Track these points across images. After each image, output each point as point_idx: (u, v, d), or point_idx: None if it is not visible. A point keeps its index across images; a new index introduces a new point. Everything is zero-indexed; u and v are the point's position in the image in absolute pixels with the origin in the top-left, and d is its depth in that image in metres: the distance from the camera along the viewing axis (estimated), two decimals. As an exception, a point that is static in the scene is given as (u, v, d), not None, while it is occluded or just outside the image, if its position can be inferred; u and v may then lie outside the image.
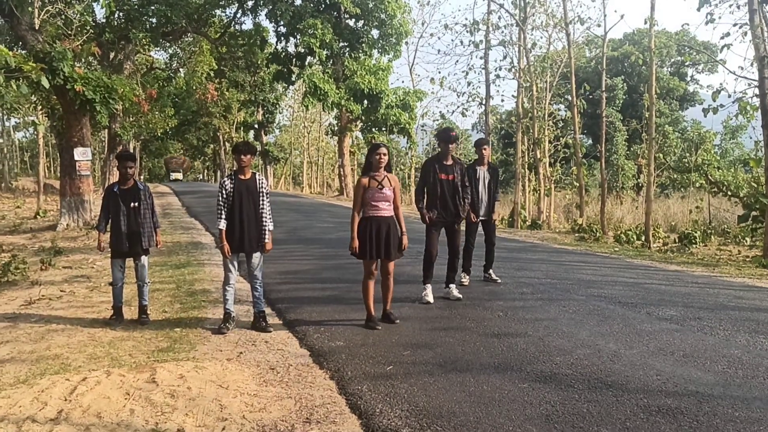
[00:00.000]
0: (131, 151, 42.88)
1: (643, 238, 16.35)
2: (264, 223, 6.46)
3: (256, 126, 54.26)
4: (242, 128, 56.34)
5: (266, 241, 6.48)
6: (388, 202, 6.46)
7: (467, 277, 8.76)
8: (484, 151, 8.79)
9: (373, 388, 4.61)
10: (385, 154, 6.43)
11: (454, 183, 7.59)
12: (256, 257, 6.50)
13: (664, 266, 11.27)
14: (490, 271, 9.07)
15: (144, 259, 6.95)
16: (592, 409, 4.14)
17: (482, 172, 8.70)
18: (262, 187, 6.48)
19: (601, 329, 6.28)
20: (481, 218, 8.67)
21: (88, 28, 24.03)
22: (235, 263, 6.51)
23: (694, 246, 15.36)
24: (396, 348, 5.67)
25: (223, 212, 6.37)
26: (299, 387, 4.72)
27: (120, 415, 4.13)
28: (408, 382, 4.72)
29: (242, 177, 6.41)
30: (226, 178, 6.45)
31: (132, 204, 6.77)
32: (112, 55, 24.55)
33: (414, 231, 7.02)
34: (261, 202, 6.44)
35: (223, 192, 6.36)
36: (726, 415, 4.04)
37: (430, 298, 7.48)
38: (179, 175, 75.93)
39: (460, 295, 7.72)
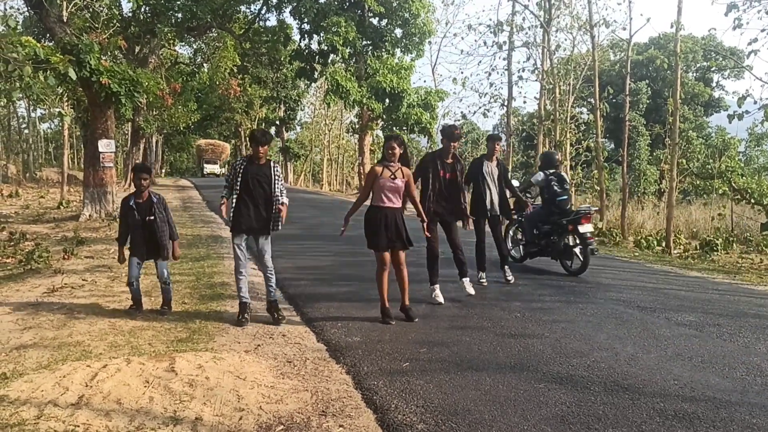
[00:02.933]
0: (154, 145, 43.30)
1: (663, 243, 16.21)
2: (274, 210, 6.43)
3: (277, 122, 54.50)
4: (264, 124, 56.62)
5: (281, 215, 6.48)
6: (398, 194, 6.50)
7: (484, 275, 8.71)
8: (496, 146, 8.75)
9: (389, 383, 4.64)
10: (394, 148, 6.44)
11: (453, 181, 7.57)
12: (266, 242, 6.52)
13: (684, 272, 11.18)
14: (506, 268, 8.97)
15: (163, 262, 6.97)
16: (607, 412, 4.14)
17: (490, 166, 8.64)
18: (276, 172, 6.48)
19: (618, 333, 6.26)
20: (491, 213, 8.61)
21: (115, 21, 24.34)
22: (244, 247, 6.48)
23: (715, 253, 15.19)
24: (412, 345, 5.70)
25: (226, 187, 6.47)
26: (316, 380, 4.76)
27: (139, 402, 4.20)
28: (424, 378, 4.74)
29: (257, 162, 6.43)
30: (239, 161, 6.50)
31: (147, 218, 6.81)
32: (137, 48, 24.84)
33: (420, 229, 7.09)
34: (273, 187, 6.42)
35: (234, 170, 6.42)
36: (743, 422, 4.02)
37: (441, 299, 7.42)
38: (216, 168, 56.60)
39: (473, 291, 7.69)
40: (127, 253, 6.92)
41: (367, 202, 6.75)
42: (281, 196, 6.51)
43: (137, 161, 31.41)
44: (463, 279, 7.78)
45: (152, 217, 6.82)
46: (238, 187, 6.36)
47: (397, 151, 6.48)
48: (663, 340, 6.03)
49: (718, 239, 15.84)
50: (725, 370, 5.09)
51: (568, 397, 4.39)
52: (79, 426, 3.81)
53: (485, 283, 8.61)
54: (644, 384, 4.70)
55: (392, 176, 6.44)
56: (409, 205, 7.04)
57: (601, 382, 4.71)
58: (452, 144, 7.57)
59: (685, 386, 4.67)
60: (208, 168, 55.95)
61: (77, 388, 4.38)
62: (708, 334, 6.33)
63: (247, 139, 6.37)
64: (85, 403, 4.15)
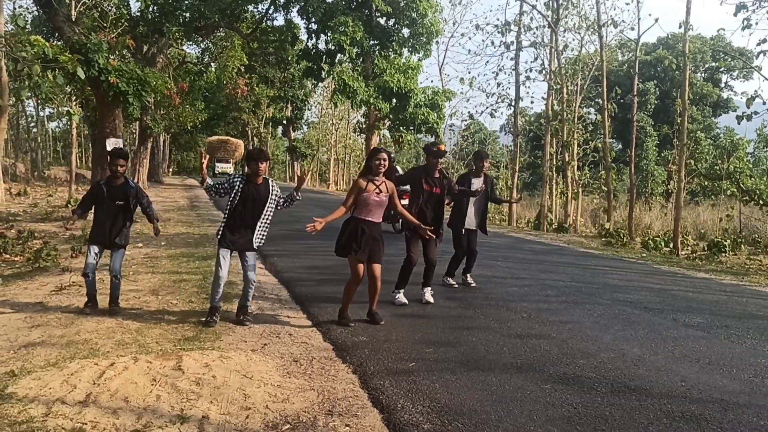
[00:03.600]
0: (161, 144, 43.43)
1: (671, 244, 16.17)
2: (263, 229, 6.44)
3: (284, 122, 54.63)
4: (271, 124, 56.74)
5: (259, 243, 6.48)
6: (381, 208, 6.37)
7: (451, 279, 8.67)
8: (484, 163, 8.69)
9: (395, 383, 4.64)
10: (384, 160, 6.27)
11: (438, 196, 7.54)
12: (251, 256, 6.50)
13: (691, 273, 11.14)
14: (468, 275, 8.83)
15: (120, 251, 6.94)
16: (614, 413, 4.13)
17: (478, 182, 8.58)
18: (273, 191, 6.44)
19: (625, 334, 6.24)
20: (467, 228, 8.58)
21: (123, 20, 24.45)
22: (227, 259, 6.43)
23: (723, 254, 15.14)
24: (419, 345, 5.70)
25: (218, 188, 6.45)
26: (322, 380, 4.76)
27: (147, 400, 4.21)
28: (430, 378, 4.74)
29: (255, 182, 6.38)
30: (238, 178, 6.41)
31: (117, 201, 6.79)
32: (145, 48, 24.92)
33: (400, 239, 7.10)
34: (266, 208, 6.41)
35: (231, 186, 6.36)
36: (751, 424, 4.00)
37: (404, 300, 7.36)
38: (228, 168, 51.75)
39: (432, 300, 7.57)
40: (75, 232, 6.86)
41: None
42: (295, 196, 6.58)
43: (145, 159, 31.51)
44: (425, 289, 7.64)
45: (122, 202, 6.79)
46: (231, 205, 6.35)
47: (386, 163, 6.32)
48: (670, 341, 6.01)
49: (726, 240, 15.79)
50: (733, 372, 5.07)
51: (574, 398, 4.38)
52: (86, 423, 3.83)
53: (455, 285, 8.57)
54: (651, 385, 4.69)
55: (377, 190, 6.28)
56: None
57: (608, 383, 4.70)
58: (436, 161, 7.52)
59: (693, 388, 4.66)
60: (220, 167, 50.98)
61: (85, 386, 4.40)
62: (716, 335, 6.31)
63: (245, 159, 6.30)
64: (93, 400, 4.17)
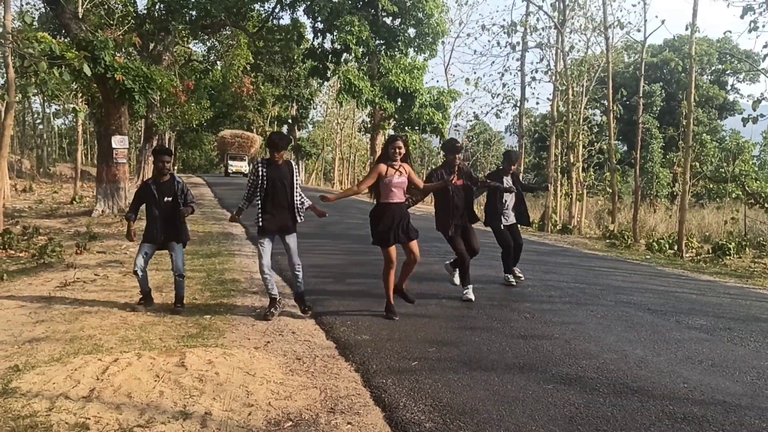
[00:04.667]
0: (166, 142, 43.48)
1: (675, 247, 16.13)
2: (298, 208, 6.54)
3: (289, 121, 54.60)
4: (276, 122, 56.75)
5: (302, 214, 6.62)
6: (402, 189, 6.61)
7: (511, 277, 8.87)
8: (512, 166, 8.95)
9: (398, 382, 4.64)
10: (400, 147, 6.54)
11: (464, 187, 7.68)
12: (292, 239, 6.59)
13: (696, 276, 11.12)
14: (515, 269, 9.07)
15: (178, 248, 6.95)
16: (616, 414, 4.13)
17: (507, 181, 8.81)
18: (295, 171, 6.54)
19: (628, 335, 6.24)
20: (506, 224, 8.84)
21: (130, 18, 24.50)
22: (268, 248, 6.52)
23: (727, 257, 15.09)
24: (421, 344, 5.70)
25: (247, 196, 6.51)
26: (324, 378, 4.78)
27: (150, 396, 4.23)
28: (432, 377, 4.75)
29: (276, 164, 6.45)
30: (259, 165, 6.48)
31: (166, 198, 6.83)
32: (151, 45, 24.93)
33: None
34: (294, 187, 6.50)
35: (255, 178, 6.43)
36: (753, 426, 4.00)
37: (471, 296, 7.56)
38: (243, 166, 46.69)
39: (473, 298, 7.71)
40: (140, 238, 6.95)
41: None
42: (303, 201, 6.62)
43: (150, 157, 31.53)
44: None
45: (170, 198, 6.83)
46: (263, 192, 6.40)
47: (403, 150, 6.56)
48: (673, 343, 6.01)
49: (730, 243, 15.73)
50: (736, 374, 5.07)
51: (576, 399, 4.38)
52: (90, 419, 3.85)
53: (515, 283, 8.78)
54: (653, 386, 4.69)
55: (398, 173, 6.54)
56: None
57: (610, 384, 4.70)
58: (454, 156, 7.63)
59: (695, 389, 4.65)
60: (234, 165, 46.11)
61: (88, 382, 4.42)
62: (719, 337, 6.30)
63: (266, 143, 6.38)
64: (96, 396, 4.19)
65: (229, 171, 45.63)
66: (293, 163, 6.61)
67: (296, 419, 3.98)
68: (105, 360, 4.87)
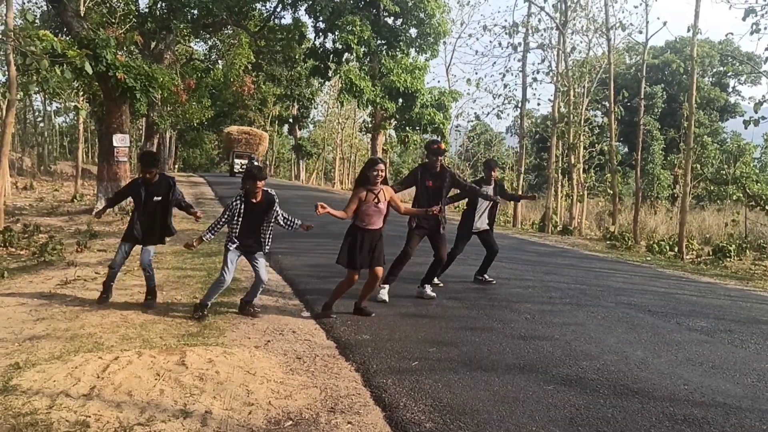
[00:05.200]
0: (167, 141, 43.48)
1: (676, 248, 16.13)
2: (268, 235, 6.56)
3: (290, 120, 54.63)
4: (277, 122, 56.78)
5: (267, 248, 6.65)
6: (381, 215, 6.53)
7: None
8: (492, 173, 8.89)
9: (398, 382, 4.65)
10: (382, 170, 6.44)
11: (439, 191, 7.63)
12: (260, 257, 6.59)
13: (696, 278, 11.12)
14: (485, 275, 9.04)
15: (151, 248, 6.99)
16: (616, 415, 4.13)
17: (489, 190, 8.77)
18: (274, 204, 6.49)
19: (629, 336, 6.24)
20: (480, 229, 8.85)
21: (132, 17, 24.52)
22: (235, 261, 6.57)
23: (728, 259, 15.10)
24: (422, 344, 5.70)
25: (217, 228, 6.50)
26: (325, 377, 4.78)
27: (150, 394, 4.23)
28: (432, 378, 4.75)
29: (254, 200, 6.40)
30: (237, 200, 6.43)
31: (155, 198, 6.85)
32: (153, 44, 24.94)
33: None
34: (270, 218, 6.50)
35: (230, 212, 6.42)
36: (753, 428, 4.00)
37: (385, 297, 7.46)
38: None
39: (434, 294, 7.70)
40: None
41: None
42: (294, 221, 6.64)
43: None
44: (426, 285, 7.77)
45: (159, 198, 6.86)
46: (238, 224, 6.42)
47: (383, 173, 6.48)
48: (674, 344, 6.01)
49: (731, 245, 15.75)
50: (736, 376, 5.07)
51: (577, 400, 4.38)
52: (90, 417, 3.85)
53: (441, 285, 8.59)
54: (654, 388, 4.69)
55: (375, 200, 6.44)
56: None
57: (611, 386, 4.70)
58: (435, 158, 7.62)
59: (695, 391, 4.65)
60: (240, 163, 41.83)
61: (89, 379, 4.42)
62: (719, 339, 6.30)
63: (244, 177, 6.36)
64: (97, 394, 4.19)
65: (235, 170, 41.75)
66: (270, 193, 6.50)
67: (296, 418, 3.98)
68: (105, 358, 4.87)
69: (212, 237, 6.61)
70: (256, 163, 41.13)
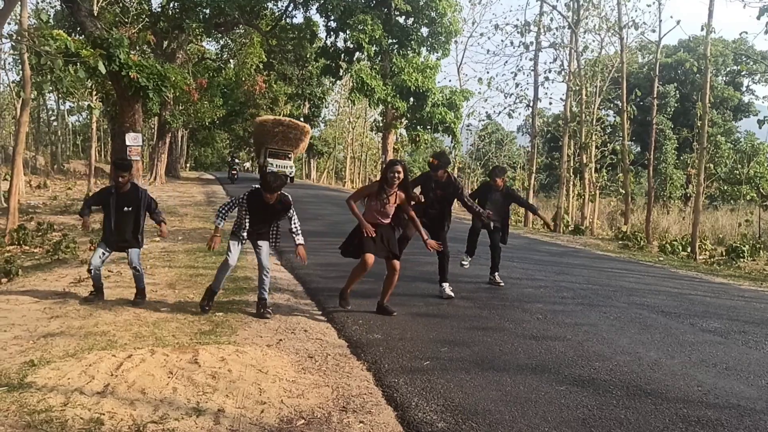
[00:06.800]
0: (179, 139, 43.64)
1: (689, 249, 16.03)
2: (276, 232, 6.68)
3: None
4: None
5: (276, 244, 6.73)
6: (388, 216, 6.62)
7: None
8: (497, 181, 8.84)
9: (410, 381, 4.64)
10: (399, 173, 6.47)
11: (441, 197, 7.67)
12: (264, 245, 6.64)
13: (709, 278, 11.05)
14: (496, 274, 8.96)
15: (135, 251, 7.00)
16: (629, 416, 4.11)
17: (496, 195, 8.78)
18: (290, 209, 6.55)
19: (642, 337, 6.21)
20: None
21: (144, 16, 24.66)
22: (239, 249, 6.60)
23: (741, 260, 14.99)
24: (433, 344, 5.70)
25: (227, 214, 6.57)
26: (337, 376, 4.78)
27: (163, 392, 4.25)
28: (444, 377, 4.74)
29: (267, 202, 6.44)
30: (248, 194, 6.50)
31: (126, 208, 6.87)
32: (165, 43, 25.09)
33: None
34: (281, 219, 6.59)
35: (238, 204, 6.51)
36: (767, 430, 3.97)
37: (450, 293, 7.60)
38: (288, 167, 33.69)
39: (452, 294, 7.69)
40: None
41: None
42: (298, 233, 6.64)
43: (163, 155, 31.71)
44: (444, 284, 7.75)
45: (129, 208, 6.89)
46: (247, 218, 6.50)
47: (401, 175, 6.50)
48: (687, 345, 5.97)
49: (744, 246, 15.63)
50: (750, 378, 5.03)
51: (589, 401, 4.36)
52: (104, 414, 3.87)
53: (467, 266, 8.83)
54: (667, 389, 4.66)
55: (385, 200, 6.53)
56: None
57: (624, 387, 4.68)
58: (435, 172, 7.63)
59: (709, 393, 4.62)
60: (276, 164, 32.17)
61: (103, 377, 4.45)
62: (733, 340, 6.25)
63: (261, 184, 6.39)
64: (111, 391, 4.22)
65: (270, 167, 31.06)
66: (283, 195, 6.52)
67: (309, 417, 3.99)
68: (119, 356, 4.90)
69: (222, 222, 6.60)
70: (290, 167, 34.71)
